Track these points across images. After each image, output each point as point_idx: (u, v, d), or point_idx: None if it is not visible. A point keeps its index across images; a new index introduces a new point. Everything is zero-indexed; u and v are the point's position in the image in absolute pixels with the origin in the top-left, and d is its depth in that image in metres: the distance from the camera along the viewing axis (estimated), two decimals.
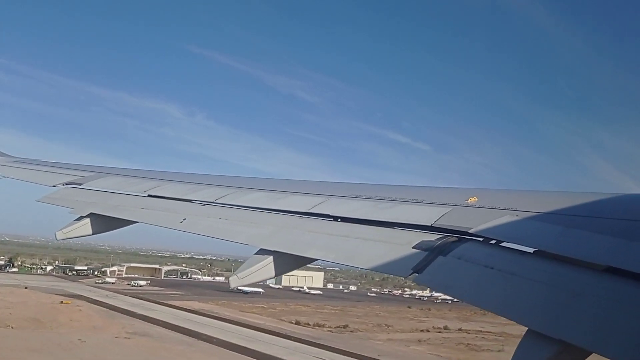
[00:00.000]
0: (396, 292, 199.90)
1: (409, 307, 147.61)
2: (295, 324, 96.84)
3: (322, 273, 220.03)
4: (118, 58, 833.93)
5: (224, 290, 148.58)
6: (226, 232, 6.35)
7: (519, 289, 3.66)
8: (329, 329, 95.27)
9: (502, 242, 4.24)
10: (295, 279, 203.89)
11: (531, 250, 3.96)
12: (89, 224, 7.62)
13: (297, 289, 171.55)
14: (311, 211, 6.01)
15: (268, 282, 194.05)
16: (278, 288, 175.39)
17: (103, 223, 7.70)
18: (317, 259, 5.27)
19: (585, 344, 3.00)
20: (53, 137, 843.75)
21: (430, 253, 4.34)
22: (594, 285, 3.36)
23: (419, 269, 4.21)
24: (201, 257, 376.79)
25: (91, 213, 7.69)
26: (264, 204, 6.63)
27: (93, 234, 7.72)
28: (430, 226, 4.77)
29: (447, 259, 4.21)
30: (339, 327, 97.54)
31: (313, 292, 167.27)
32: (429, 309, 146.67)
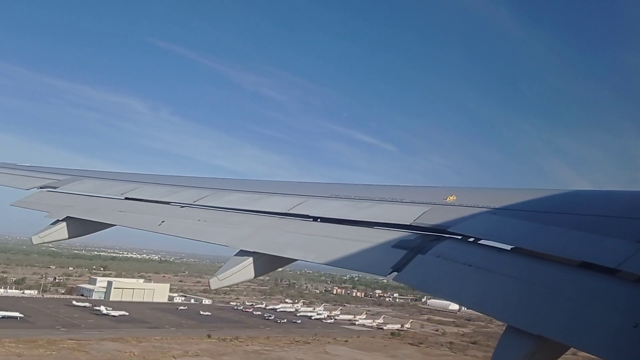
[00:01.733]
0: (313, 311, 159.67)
1: (209, 337, 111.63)
2: None
3: (168, 285, 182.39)
4: (80, 50, 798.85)
5: None
6: (205, 233, 6.25)
7: (497, 286, 3.72)
8: None
9: (480, 239, 4.29)
10: (131, 292, 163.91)
11: (509, 247, 4.02)
12: (65, 227, 7.46)
13: (103, 309, 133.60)
14: (290, 212, 5.99)
15: (94, 296, 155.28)
16: (83, 306, 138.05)
17: (79, 226, 7.56)
18: (297, 260, 5.23)
19: (562, 338, 3.10)
20: (9, 129, 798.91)
21: (410, 252, 4.37)
22: (569, 281, 3.45)
23: (398, 267, 4.25)
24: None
25: (67, 217, 7.53)
26: (243, 205, 6.60)
27: (69, 238, 7.56)
28: (410, 225, 4.81)
29: (426, 257, 4.25)
30: None
31: (114, 313, 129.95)
32: (234, 339, 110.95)
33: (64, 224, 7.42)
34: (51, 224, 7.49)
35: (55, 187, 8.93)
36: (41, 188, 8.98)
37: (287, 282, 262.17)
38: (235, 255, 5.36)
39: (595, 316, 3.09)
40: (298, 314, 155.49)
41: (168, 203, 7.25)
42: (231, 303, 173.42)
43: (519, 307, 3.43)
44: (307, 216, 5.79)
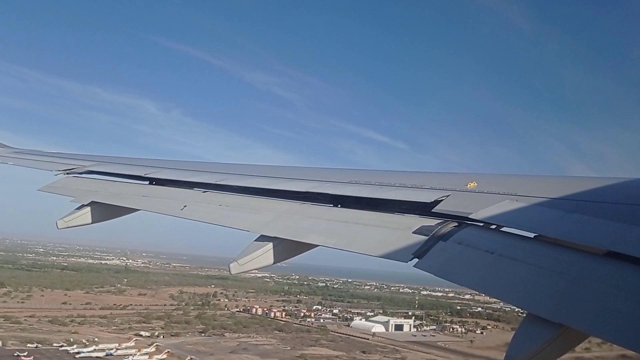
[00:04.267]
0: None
1: None
2: None
3: None
4: (92, 52, 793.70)
5: None
6: (226, 218, 6.26)
7: (520, 273, 3.67)
8: None
9: (503, 227, 4.22)
10: None
11: (532, 235, 3.96)
12: (89, 212, 7.53)
13: None
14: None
15: None
16: None
17: (104, 211, 7.63)
18: (317, 245, 5.22)
19: (585, 327, 3.05)
20: (22, 132, 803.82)
21: (431, 238, 4.34)
22: (594, 270, 3.39)
23: (419, 254, 4.23)
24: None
25: (92, 201, 7.63)
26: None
27: (92, 223, 7.64)
28: (430, 211, 4.76)
29: (447, 244, 4.22)
30: None
31: None
32: None
33: (89, 208, 7.51)
34: (76, 209, 7.55)
35: (80, 173, 9.13)
36: (67, 174, 9.17)
37: (206, 299, 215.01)
38: (255, 240, 5.38)
39: (621, 306, 3.01)
40: None
41: (191, 187, 7.33)
42: (29, 345, 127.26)
43: (542, 295, 3.36)
44: (327, 196, 5.79)
